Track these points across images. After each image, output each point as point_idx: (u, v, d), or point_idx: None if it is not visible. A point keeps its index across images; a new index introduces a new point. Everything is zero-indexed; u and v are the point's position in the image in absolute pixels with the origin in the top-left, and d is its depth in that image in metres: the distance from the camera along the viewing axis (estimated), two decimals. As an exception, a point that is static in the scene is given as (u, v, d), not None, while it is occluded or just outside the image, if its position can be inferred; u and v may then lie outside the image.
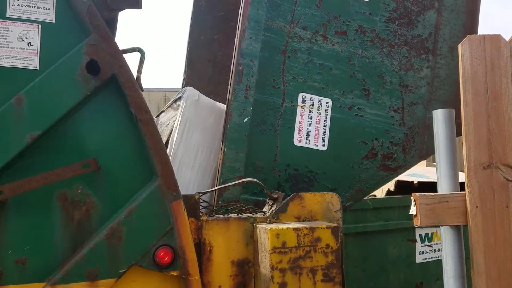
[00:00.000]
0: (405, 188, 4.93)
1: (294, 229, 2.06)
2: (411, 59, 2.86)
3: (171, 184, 2.04)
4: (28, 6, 1.92)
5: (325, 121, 2.69)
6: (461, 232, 1.75)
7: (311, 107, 2.68)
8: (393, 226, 4.22)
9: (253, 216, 2.26)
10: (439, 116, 1.80)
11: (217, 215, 2.26)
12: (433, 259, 4.53)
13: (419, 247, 4.47)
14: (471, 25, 2.98)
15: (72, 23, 1.98)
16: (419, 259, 4.46)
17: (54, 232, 1.93)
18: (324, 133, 2.68)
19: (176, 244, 2.02)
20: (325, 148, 2.67)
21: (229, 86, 2.56)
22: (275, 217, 2.24)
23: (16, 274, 1.84)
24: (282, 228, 2.05)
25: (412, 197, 1.72)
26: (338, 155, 2.69)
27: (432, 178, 4.76)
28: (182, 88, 4.58)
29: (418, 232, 4.39)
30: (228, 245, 2.18)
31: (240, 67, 2.52)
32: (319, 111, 2.69)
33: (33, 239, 1.90)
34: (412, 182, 5.05)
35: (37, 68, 1.93)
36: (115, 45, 2.02)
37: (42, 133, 1.89)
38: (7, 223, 1.87)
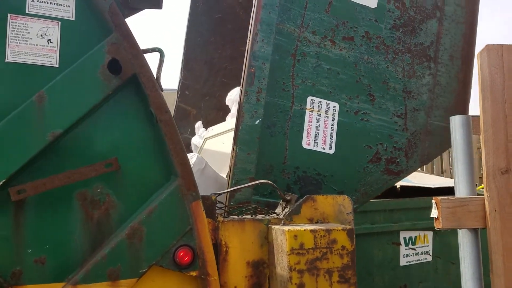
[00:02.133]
0: (387, 192, 5.04)
1: (311, 230, 2.07)
2: (414, 66, 2.92)
3: (190, 184, 2.01)
4: (47, 2, 1.87)
5: (333, 124, 2.71)
6: (479, 235, 1.79)
7: (319, 111, 2.70)
8: (379, 229, 4.31)
9: (267, 217, 2.25)
10: (457, 122, 1.85)
11: (232, 216, 2.25)
12: (416, 262, 4.62)
13: (403, 250, 4.56)
14: (470, 35, 3.07)
15: (92, 21, 1.94)
16: (403, 262, 4.54)
17: (74, 231, 1.88)
18: (331, 136, 2.71)
19: (195, 244, 2.00)
20: (332, 151, 2.70)
21: (240, 88, 2.55)
22: (288, 219, 2.24)
23: (35, 273, 1.78)
24: (300, 230, 2.05)
25: (433, 201, 1.76)
26: (344, 159, 2.71)
27: (415, 183, 4.87)
28: (178, 89, 4.56)
29: (402, 235, 4.49)
30: (243, 246, 2.17)
31: (252, 69, 2.52)
32: (326, 115, 2.71)
33: (53, 238, 1.84)
34: (395, 186, 5.15)
35: (57, 65, 1.88)
36: (136, 45, 1.97)
37: (63, 132, 1.84)
38: (27, 221, 1.81)
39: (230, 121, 3.63)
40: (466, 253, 1.78)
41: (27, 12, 1.84)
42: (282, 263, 2.07)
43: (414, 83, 2.92)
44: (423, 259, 4.69)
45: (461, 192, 1.79)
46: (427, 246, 4.66)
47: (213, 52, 4.51)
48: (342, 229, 2.11)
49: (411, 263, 4.60)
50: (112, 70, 1.92)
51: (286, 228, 2.07)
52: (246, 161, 2.46)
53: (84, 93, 1.88)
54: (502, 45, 1.76)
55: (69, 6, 1.91)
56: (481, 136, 1.75)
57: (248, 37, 2.58)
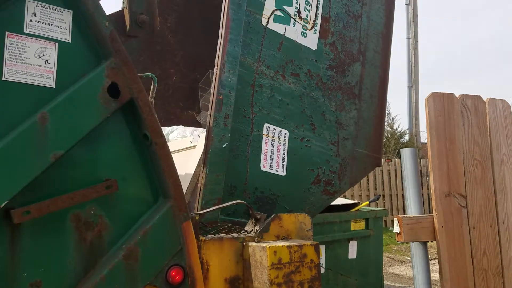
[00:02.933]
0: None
1: (287, 246, 2.30)
2: (344, 102, 3.38)
3: (182, 205, 2.10)
4: (45, 23, 1.84)
5: (284, 149, 3.00)
6: (427, 247, 2.22)
7: (273, 137, 2.96)
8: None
9: (242, 235, 2.42)
10: (407, 154, 2.28)
11: (210, 235, 2.36)
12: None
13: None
14: (384, 76, 3.65)
15: (88, 45, 1.94)
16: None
17: (68, 253, 1.83)
18: (283, 160, 2.99)
19: (185, 263, 2.08)
20: (284, 173, 2.98)
21: (209, 113, 2.70)
22: (260, 236, 2.44)
23: None
24: (278, 246, 2.27)
25: (395, 218, 2.14)
26: (293, 180, 3.01)
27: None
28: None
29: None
30: (222, 264, 2.30)
31: (220, 97, 2.69)
32: (279, 141, 2.99)
33: (48, 261, 1.78)
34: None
35: (54, 86, 1.84)
36: (134, 70, 2.02)
37: (64, 153, 1.80)
38: (23, 244, 1.73)
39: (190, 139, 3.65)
40: (418, 262, 2.18)
41: (25, 31, 1.79)
42: (262, 278, 2.25)
43: (344, 116, 3.37)
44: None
45: (413, 211, 2.21)
46: (320, 259, 5.25)
47: (141, 71, 4.49)
48: (310, 244, 2.38)
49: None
50: (110, 93, 1.94)
51: (266, 244, 2.27)
52: (215, 182, 2.60)
53: (84, 115, 1.88)
54: (443, 93, 2.25)
55: (65, 28, 1.89)
56: (429, 165, 2.20)
57: (216, 66, 2.76)
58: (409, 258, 9.38)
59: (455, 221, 2.13)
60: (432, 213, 2.17)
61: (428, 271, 2.16)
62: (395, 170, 12.80)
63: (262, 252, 2.26)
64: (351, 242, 5.32)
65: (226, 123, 2.70)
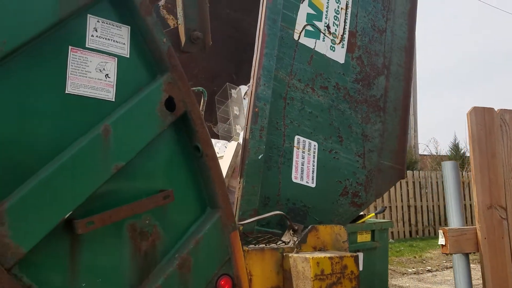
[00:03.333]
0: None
1: (329, 258, 2.33)
2: (369, 114, 3.44)
3: (230, 215, 2.13)
4: (106, 38, 1.88)
5: (314, 161, 3.05)
6: (469, 259, 2.26)
7: (303, 148, 3.01)
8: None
9: (282, 246, 2.45)
10: (448, 166, 2.33)
11: (251, 246, 2.39)
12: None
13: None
14: (407, 89, 3.73)
15: (144, 60, 1.98)
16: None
17: (124, 263, 1.85)
18: (313, 171, 3.03)
19: (233, 273, 2.10)
20: (314, 185, 3.01)
21: (245, 126, 2.75)
22: (298, 247, 2.47)
23: None
24: (321, 257, 2.30)
25: (441, 230, 2.18)
26: (323, 192, 3.05)
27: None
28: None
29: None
30: (264, 274, 2.33)
31: (256, 110, 2.74)
32: (309, 152, 3.03)
33: (105, 271, 1.80)
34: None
35: (113, 100, 1.88)
36: (188, 85, 2.07)
37: (125, 164, 1.83)
38: (82, 255, 1.74)
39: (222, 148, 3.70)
40: (461, 273, 2.22)
41: (87, 46, 1.83)
42: None
43: (369, 128, 3.43)
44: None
45: (455, 223, 2.26)
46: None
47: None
48: (350, 256, 2.41)
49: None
50: (167, 107, 1.98)
51: (308, 255, 2.30)
52: (251, 193, 2.63)
53: (144, 127, 1.91)
54: (484, 108, 2.31)
55: (124, 43, 1.93)
56: (472, 179, 2.25)
57: (252, 79, 2.81)
58: (410, 270, 9.44)
59: (497, 233, 2.18)
60: (473, 225, 2.21)
61: (470, 283, 2.20)
62: (395, 182, 12.90)
63: (305, 263, 2.28)
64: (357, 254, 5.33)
65: (262, 135, 2.74)
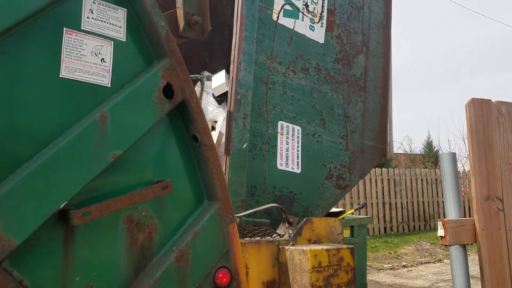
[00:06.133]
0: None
1: (326, 250, 2.43)
2: (350, 95, 3.66)
3: (228, 207, 2.18)
4: (101, 21, 1.87)
5: (298, 146, 3.22)
6: (466, 250, 2.45)
7: (287, 134, 3.19)
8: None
9: (278, 239, 2.60)
10: (446, 158, 2.56)
11: (247, 238, 2.57)
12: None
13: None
14: (386, 67, 4.00)
15: (141, 44, 2.00)
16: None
17: (120, 256, 1.88)
18: (297, 157, 3.22)
19: (231, 265, 2.22)
20: (299, 171, 3.21)
21: (227, 114, 2.85)
22: (294, 240, 2.61)
23: None
24: (318, 249, 2.40)
25: (440, 222, 2.44)
26: (308, 177, 3.20)
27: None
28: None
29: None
30: (259, 267, 2.42)
31: (238, 97, 2.81)
32: (293, 138, 3.22)
33: (99, 264, 1.82)
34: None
35: (109, 85, 1.89)
36: (187, 72, 2.09)
37: (122, 153, 1.85)
38: (75, 247, 1.76)
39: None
40: (458, 265, 2.36)
41: (82, 28, 1.82)
42: (302, 281, 2.43)
43: (351, 109, 3.66)
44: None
45: (453, 214, 2.46)
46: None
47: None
48: (347, 248, 2.55)
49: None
50: (165, 94, 2.02)
51: (306, 248, 2.43)
52: (238, 184, 2.77)
53: (142, 115, 1.93)
54: (482, 100, 2.54)
55: (120, 27, 1.94)
56: (470, 169, 2.50)
57: (232, 65, 2.89)
58: (386, 266, 10.02)
59: (494, 224, 2.43)
60: (468, 217, 2.45)
61: (467, 274, 2.36)
62: (370, 179, 13.54)
63: (302, 255, 2.42)
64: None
65: (245, 123, 2.82)
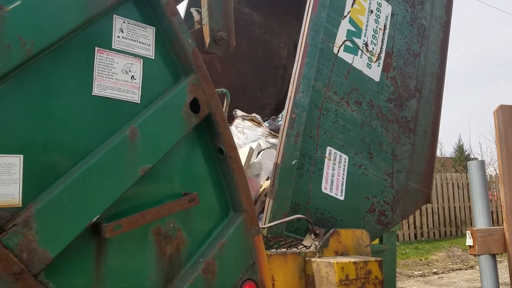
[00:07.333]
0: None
1: (354, 262, 1.99)
2: (400, 135, 3.03)
3: (254, 219, 1.83)
4: (131, 40, 1.63)
5: (344, 174, 2.68)
6: (496, 260, 1.85)
7: (334, 160, 2.65)
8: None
9: (304, 251, 2.10)
10: (474, 166, 1.95)
11: (273, 250, 2.05)
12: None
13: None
14: (436, 115, 3.29)
15: (170, 61, 1.73)
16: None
17: (149, 267, 1.58)
18: (342, 184, 2.66)
19: (257, 278, 1.77)
20: (342, 198, 2.64)
21: (281, 130, 2.48)
22: (320, 252, 2.11)
23: None
24: (345, 262, 1.97)
25: (468, 231, 1.80)
26: (351, 206, 2.69)
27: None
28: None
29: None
30: (286, 279, 2.01)
31: (294, 116, 2.46)
32: (339, 165, 2.67)
33: (130, 275, 1.53)
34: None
35: (139, 102, 1.62)
36: (213, 86, 1.81)
37: (152, 167, 1.57)
38: (107, 259, 1.48)
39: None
40: (488, 275, 1.84)
41: (113, 47, 1.59)
42: None
43: (399, 149, 3.02)
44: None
45: (482, 223, 1.88)
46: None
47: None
48: (375, 261, 2.06)
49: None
50: (191, 109, 1.72)
51: (333, 260, 1.95)
52: (283, 197, 2.33)
53: (170, 129, 1.65)
54: (511, 106, 1.92)
55: (149, 45, 1.68)
56: (500, 178, 1.85)
57: (291, 86, 2.55)
58: (416, 273, 8.59)
59: None
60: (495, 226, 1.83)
61: (497, 284, 1.82)
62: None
63: (329, 268, 1.94)
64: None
65: (297, 141, 2.46)
